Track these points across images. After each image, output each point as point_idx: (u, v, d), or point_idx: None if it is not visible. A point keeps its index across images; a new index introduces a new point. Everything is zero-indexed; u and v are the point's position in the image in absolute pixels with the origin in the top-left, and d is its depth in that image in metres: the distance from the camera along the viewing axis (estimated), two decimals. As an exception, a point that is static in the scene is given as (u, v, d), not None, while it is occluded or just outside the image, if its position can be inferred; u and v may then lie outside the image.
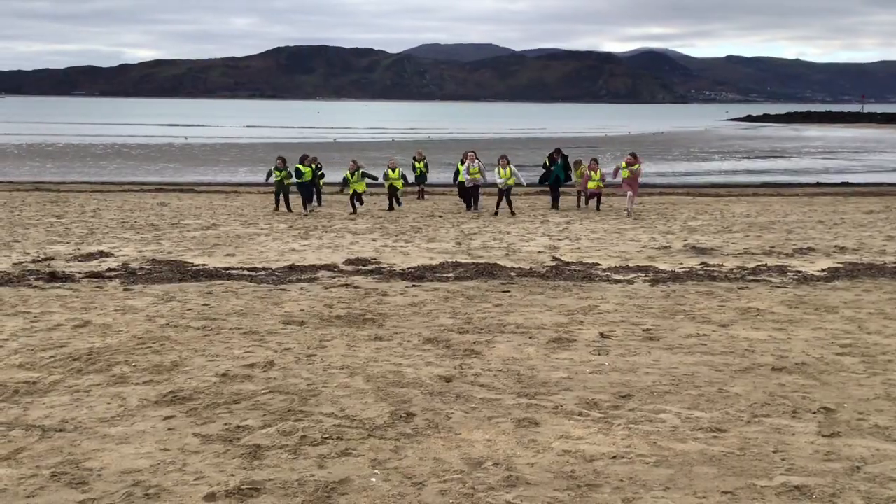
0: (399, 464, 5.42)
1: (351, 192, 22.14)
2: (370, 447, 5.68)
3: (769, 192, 29.87)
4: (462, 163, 22.93)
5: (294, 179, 21.99)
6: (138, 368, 7.50)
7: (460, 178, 22.79)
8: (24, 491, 4.97)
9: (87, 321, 9.28)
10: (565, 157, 24.26)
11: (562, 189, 24.36)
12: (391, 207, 22.51)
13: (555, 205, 23.45)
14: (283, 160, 22.59)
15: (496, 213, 21.50)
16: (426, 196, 26.63)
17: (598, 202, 23.06)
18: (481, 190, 23.08)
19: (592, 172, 22.78)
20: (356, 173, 21.93)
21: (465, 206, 22.88)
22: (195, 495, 4.93)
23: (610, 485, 5.10)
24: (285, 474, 5.22)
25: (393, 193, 22.82)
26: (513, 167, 21.81)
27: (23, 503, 4.82)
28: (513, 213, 21.48)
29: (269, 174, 22.69)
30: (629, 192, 21.87)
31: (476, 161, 22.10)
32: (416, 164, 26.68)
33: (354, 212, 21.69)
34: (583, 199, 23.69)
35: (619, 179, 22.41)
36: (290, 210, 21.99)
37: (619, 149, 63.42)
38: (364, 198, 22.46)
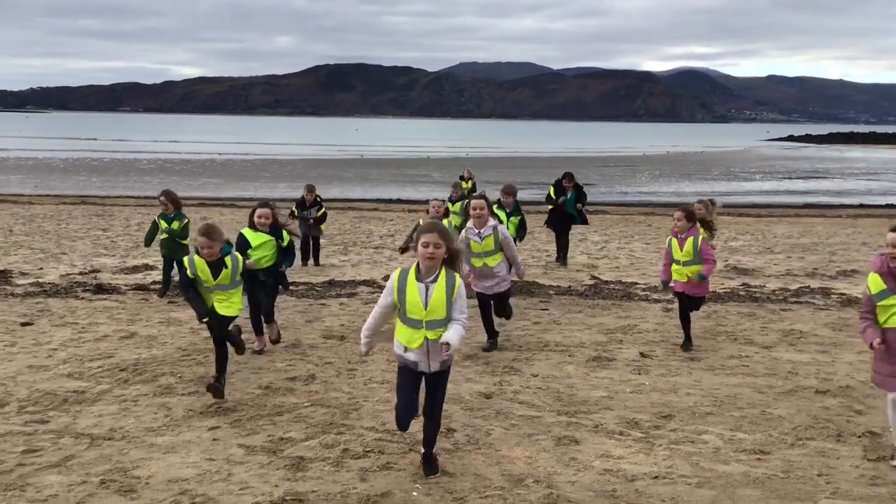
0: (440, 479, 5.45)
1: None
2: (411, 461, 5.72)
3: (811, 213, 29.51)
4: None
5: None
6: (183, 379, 7.63)
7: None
8: (73, 497, 5.08)
9: (133, 332, 9.46)
10: (579, 188, 16.21)
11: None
12: None
13: (561, 256, 15.93)
14: (171, 202, 12.20)
15: None
16: None
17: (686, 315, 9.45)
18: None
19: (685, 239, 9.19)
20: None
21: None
22: (240, 505, 5.00)
23: (652, 504, 5.09)
24: (328, 486, 5.28)
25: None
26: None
27: (73, 509, 4.93)
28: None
29: (152, 229, 12.16)
30: None
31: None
32: (464, 185, 22.59)
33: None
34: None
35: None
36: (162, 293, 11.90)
37: (657, 168, 63.10)
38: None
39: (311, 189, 15.35)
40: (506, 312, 9.33)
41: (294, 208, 15.04)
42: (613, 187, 45.18)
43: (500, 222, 12.01)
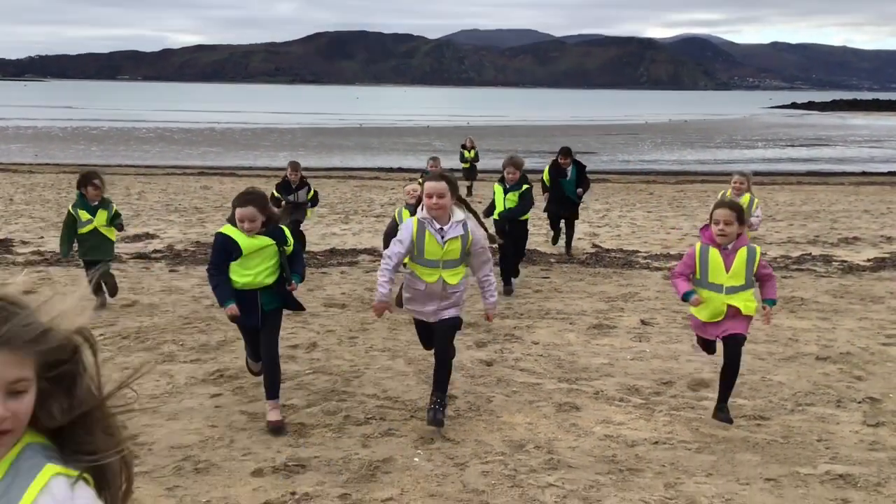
0: (441, 445, 5.48)
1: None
2: (412, 428, 5.75)
3: (813, 181, 29.43)
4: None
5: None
6: (185, 347, 7.65)
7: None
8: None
9: (134, 301, 9.48)
10: (580, 166, 13.14)
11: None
12: None
13: (565, 243, 13.32)
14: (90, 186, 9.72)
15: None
16: (474, 194, 21.38)
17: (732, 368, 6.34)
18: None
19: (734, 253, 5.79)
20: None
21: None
22: (243, 471, 5.04)
23: (652, 470, 5.12)
24: (330, 452, 5.32)
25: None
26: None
27: (77, 475, 4.96)
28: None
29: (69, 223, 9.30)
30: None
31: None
32: (466, 154, 22.84)
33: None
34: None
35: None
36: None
37: (659, 136, 62.85)
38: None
39: (295, 167, 12.18)
40: (448, 354, 5.87)
41: (276, 191, 11.89)
42: (615, 155, 45.02)
43: (489, 213, 10.21)
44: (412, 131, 65.61)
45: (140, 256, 12.44)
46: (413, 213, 8.91)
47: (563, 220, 13.19)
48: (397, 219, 8.66)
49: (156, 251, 12.91)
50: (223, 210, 18.35)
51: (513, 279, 10.43)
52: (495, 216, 10.37)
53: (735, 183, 10.51)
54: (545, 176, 13.09)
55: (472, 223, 5.88)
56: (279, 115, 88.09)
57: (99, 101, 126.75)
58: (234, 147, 47.27)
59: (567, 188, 12.85)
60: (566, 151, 13.07)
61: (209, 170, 31.08)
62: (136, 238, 14.20)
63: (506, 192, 10.27)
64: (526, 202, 10.29)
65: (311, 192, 12.40)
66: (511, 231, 10.28)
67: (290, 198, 11.93)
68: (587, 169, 13.49)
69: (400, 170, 32.79)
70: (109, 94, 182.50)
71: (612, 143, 54.46)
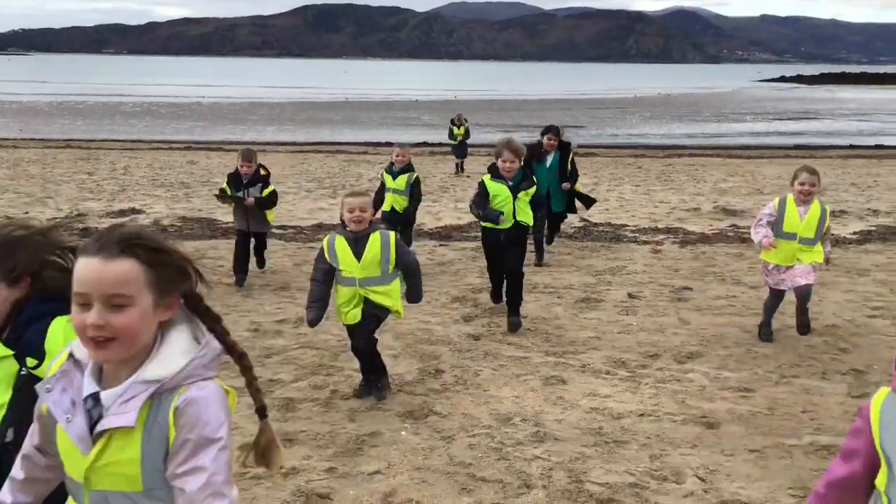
0: (428, 418, 5.50)
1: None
2: (400, 402, 5.76)
3: (801, 154, 29.44)
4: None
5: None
6: (172, 323, 7.62)
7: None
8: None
9: (120, 276, 9.41)
10: (566, 152, 10.76)
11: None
12: None
13: (539, 256, 10.27)
14: None
15: None
16: (465, 170, 21.36)
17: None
18: None
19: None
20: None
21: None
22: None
23: (637, 441, 5.15)
24: (317, 426, 5.32)
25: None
26: None
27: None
28: None
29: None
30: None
31: None
32: (455, 131, 22.10)
33: None
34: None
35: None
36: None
37: (648, 109, 62.76)
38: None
39: (248, 157, 9.31)
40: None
41: (225, 186, 9.42)
42: (604, 129, 44.94)
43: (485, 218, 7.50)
44: (401, 105, 65.30)
45: (126, 232, 12.37)
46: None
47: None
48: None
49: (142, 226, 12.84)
50: (210, 185, 18.25)
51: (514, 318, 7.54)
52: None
53: (801, 185, 7.02)
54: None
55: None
56: (266, 90, 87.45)
57: (84, 75, 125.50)
58: (221, 121, 46.94)
59: (542, 176, 9.81)
60: (554, 131, 10.58)
61: (196, 144, 30.87)
62: (122, 213, 14.12)
63: (513, 190, 7.41)
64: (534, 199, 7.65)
65: (268, 189, 9.31)
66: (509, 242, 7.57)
67: (240, 194, 9.20)
68: (573, 154, 10.84)
69: (388, 144, 32.61)
70: (95, 67, 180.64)
71: (600, 117, 54.35)
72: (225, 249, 11.07)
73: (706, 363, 6.63)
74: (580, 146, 11.34)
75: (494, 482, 4.59)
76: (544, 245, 10.56)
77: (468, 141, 22.38)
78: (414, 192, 9.65)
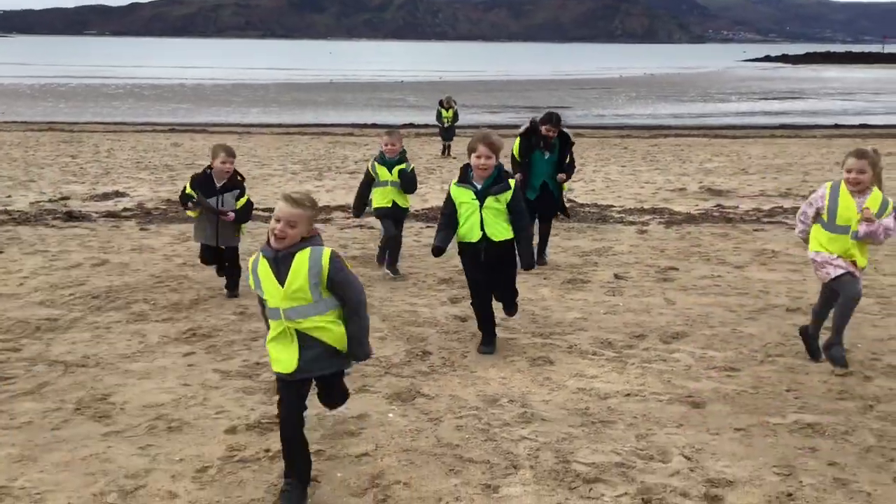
0: (415, 400, 5.50)
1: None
2: (387, 384, 5.76)
3: (786, 134, 29.56)
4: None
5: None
6: (157, 306, 7.59)
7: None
8: (49, 423, 5.08)
9: (105, 260, 9.37)
10: (566, 139, 9.46)
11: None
12: None
13: (539, 252, 9.25)
14: None
15: None
16: (451, 153, 21.31)
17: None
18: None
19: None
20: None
21: None
22: (217, 428, 5.04)
23: (624, 421, 5.18)
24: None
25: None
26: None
27: (48, 435, 4.93)
28: None
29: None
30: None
31: None
32: (444, 113, 21.67)
33: None
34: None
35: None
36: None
37: (634, 90, 62.73)
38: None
39: (227, 153, 7.76)
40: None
41: (189, 187, 7.74)
42: (589, 110, 44.92)
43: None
44: (386, 86, 65.03)
45: (110, 215, 12.28)
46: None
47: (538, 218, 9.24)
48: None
49: (126, 209, 12.75)
50: (194, 167, 18.13)
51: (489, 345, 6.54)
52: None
53: (848, 172, 5.98)
54: (515, 149, 9.27)
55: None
56: (251, 71, 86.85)
57: (66, 56, 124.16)
58: (205, 103, 46.62)
59: (545, 170, 9.20)
60: (554, 119, 9.21)
61: (180, 126, 30.65)
62: (106, 196, 14.02)
63: (479, 194, 6.20)
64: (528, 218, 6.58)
65: (244, 198, 7.82)
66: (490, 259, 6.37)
67: (211, 202, 7.61)
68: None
69: (374, 125, 32.53)
70: (77, 49, 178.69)
71: (586, 98, 54.32)
72: (210, 232, 11.02)
73: (692, 343, 6.66)
74: (566, 126, 9.99)
75: (482, 463, 4.61)
76: (540, 256, 9.18)
77: (455, 125, 22.10)
78: (407, 182, 8.61)
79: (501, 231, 6.25)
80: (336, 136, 26.99)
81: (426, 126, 28.93)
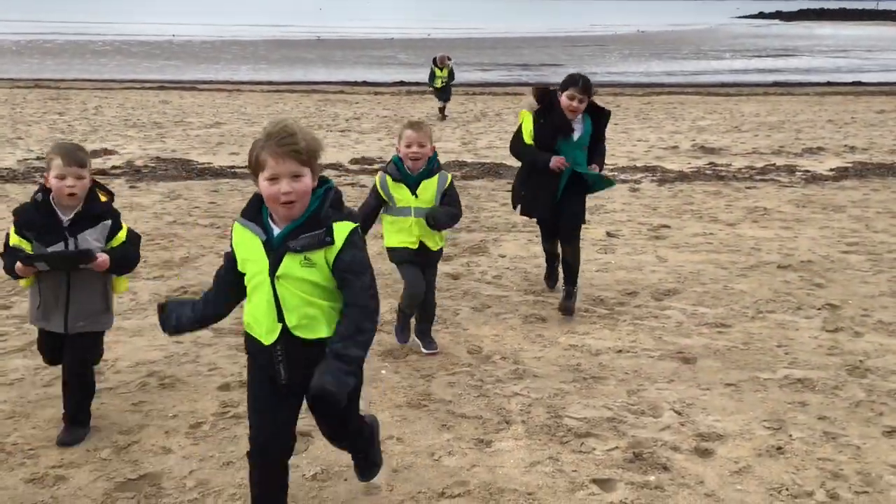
0: (408, 357, 5.51)
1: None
2: (378, 341, 5.75)
3: (779, 92, 29.41)
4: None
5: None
6: (148, 264, 7.55)
7: None
8: (40, 380, 5.08)
9: (94, 218, 9.29)
10: (601, 119, 6.32)
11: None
12: None
13: (550, 277, 7.00)
14: None
15: None
16: (447, 116, 20.35)
17: None
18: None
19: None
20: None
21: None
22: (209, 385, 5.04)
23: (615, 377, 5.20)
24: (297, 366, 5.31)
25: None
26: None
27: (40, 392, 4.94)
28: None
29: None
30: None
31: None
32: (438, 73, 19.99)
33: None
34: None
35: None
36: None
37: (626, 47, 62.25)
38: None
39: (69, 160, 4.14)
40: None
41: (15, 234, 4.31)
42: (581, 67, 44.48)
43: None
44: (376, 43, 64.30)
45: (98, 172, 12.17)
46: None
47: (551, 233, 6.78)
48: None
49: (115, 167, 12.64)
50: (183, 125, 17.97)
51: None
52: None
53: None
54: (525, 122, 6.43)
55: None
56: (239, 28, 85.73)
57: (52, 13, 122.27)
58: (194, 60, 46.04)
59: (570, 156, 6.22)
60: (583, 84, 6.17)
61: (169, 84, 30.30)
62: (94, 154, 13.86)
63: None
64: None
65: (121, 233, 4.37)
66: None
67: (56, 249, 4.20)
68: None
69: (364, 83, 32.21)
70: (63, 5, 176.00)
71: (578, 55, 53.84)
72: (200, 190, 10.96)
73: (683, 300, 6.68)
74: (556, 85, 8.45)
75: (474, 418, 4.63)
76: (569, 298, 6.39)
77: (452, 83, 20.59)
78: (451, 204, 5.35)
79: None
80: (326, 94, 26.73)
81: (417, 84, 28.68)
